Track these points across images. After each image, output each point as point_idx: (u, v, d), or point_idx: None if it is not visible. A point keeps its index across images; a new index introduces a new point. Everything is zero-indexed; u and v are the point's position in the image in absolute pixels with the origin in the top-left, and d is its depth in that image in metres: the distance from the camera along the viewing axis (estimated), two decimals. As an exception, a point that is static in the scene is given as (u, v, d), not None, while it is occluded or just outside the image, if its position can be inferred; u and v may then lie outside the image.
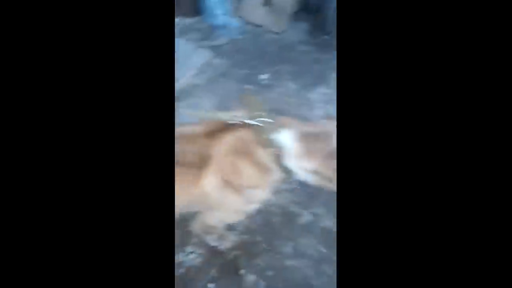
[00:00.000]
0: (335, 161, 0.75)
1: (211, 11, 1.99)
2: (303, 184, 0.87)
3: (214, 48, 1.92)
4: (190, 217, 1.01)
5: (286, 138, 0.80)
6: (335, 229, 1.13)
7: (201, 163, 0.84)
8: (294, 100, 1.63)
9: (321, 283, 1.02)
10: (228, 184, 0.85)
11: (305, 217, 1.17)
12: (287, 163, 0.81)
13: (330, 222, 1.15)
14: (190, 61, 1.81)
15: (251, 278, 1.03)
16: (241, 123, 0.84)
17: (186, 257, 1.06)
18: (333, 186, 0.78)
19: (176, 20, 2.01)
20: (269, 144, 0.81)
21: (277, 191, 1.10)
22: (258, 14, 2.06)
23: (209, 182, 0.85)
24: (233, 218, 1.00)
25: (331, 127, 0.80)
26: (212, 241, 1.06)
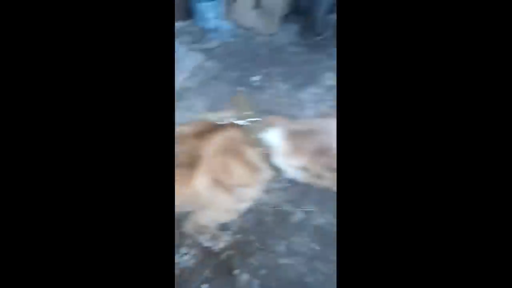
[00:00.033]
0: (323, 158, 0.76)
1: (203, 15, 2.01)
2: (292, 182, 0.88)
3: (206, 51, 1.94)
4: (182, 217, 1.02)
5: (274, 136, 0.81)
6: (327, 227, 1.14)
7: (191, 164, 0.85)
8: (285, 101, 1.64)
9: (314, 280, 1.03)
10: (218, 183, 0.86)
11: (298, 215, 1.18)
12: (276, 161, 0.82)
13: (322, 219, 1.16)
14: (182, 64, 1.82)
15: (244, 277, 1.04)
16: (229, 123, 0.86)
17: (181, 258, 1.07)
18: (321, 182, 0.79)
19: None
20: (257, 143, 0.82)
21: (268, 190, 1.11)
22: (249, 17, 2.08)
23: (200, 182, 0.86)
24: (225, 217, 1.01)
25: (319, 124, 0.82)
26: (205, 241, 1.06)
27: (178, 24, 2.08)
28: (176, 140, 0.85)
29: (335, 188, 0.80)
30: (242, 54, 1.95)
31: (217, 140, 0.84)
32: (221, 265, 1.06)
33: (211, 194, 0.87)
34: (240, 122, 0.84)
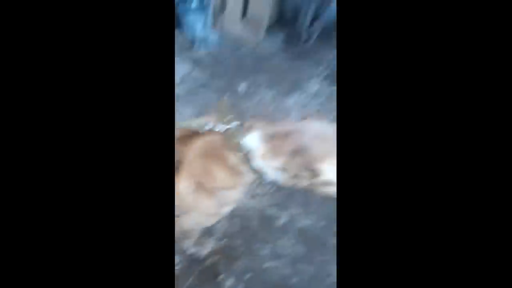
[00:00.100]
0: (301, 158, 0.78)
1: (191, 25, 2.05)
2: (273, 183, 0.90)
3: (194, 60, 1.97)
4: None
5: (253, 139, 0.83)
6: (311, 229, 1.16)
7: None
8: (271, 107, 1.68)
9: (299, 281, 1.04)
10: (201, 187, 0.87)
11: (282, 219, 1.19)
12: (256, 163, 0.84)
13: (307, 221, 1.17)
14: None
15: (229, 282, 1.04)
16: (209, 128, 0.88)
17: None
18: (299, 182, 0.81)
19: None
20: (237, 146, 0.84)
21: (252, 195, 1.13)
22: (236, 27, 2.13)
23: (184, 187, 0.87)
24: (209, 220, 1.01)
25: (296, 125, 0.84)
26: (190, 247, 1.07)
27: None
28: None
29: (316, 189, 0.82)
30: (229, 63, 1.99)
31: (198, 145, 0.86)
32: (206, 271, 1.06)
33: (194, 198, 0.88)
34: (221, 126, 0.86)
